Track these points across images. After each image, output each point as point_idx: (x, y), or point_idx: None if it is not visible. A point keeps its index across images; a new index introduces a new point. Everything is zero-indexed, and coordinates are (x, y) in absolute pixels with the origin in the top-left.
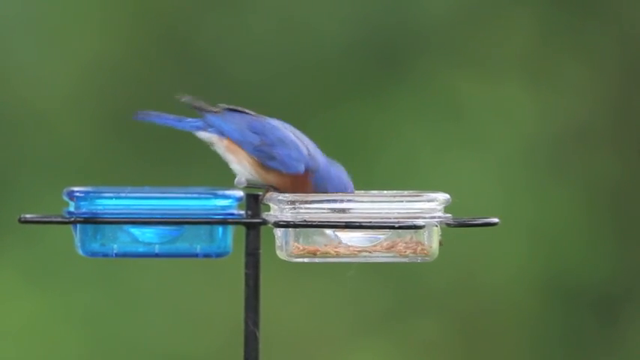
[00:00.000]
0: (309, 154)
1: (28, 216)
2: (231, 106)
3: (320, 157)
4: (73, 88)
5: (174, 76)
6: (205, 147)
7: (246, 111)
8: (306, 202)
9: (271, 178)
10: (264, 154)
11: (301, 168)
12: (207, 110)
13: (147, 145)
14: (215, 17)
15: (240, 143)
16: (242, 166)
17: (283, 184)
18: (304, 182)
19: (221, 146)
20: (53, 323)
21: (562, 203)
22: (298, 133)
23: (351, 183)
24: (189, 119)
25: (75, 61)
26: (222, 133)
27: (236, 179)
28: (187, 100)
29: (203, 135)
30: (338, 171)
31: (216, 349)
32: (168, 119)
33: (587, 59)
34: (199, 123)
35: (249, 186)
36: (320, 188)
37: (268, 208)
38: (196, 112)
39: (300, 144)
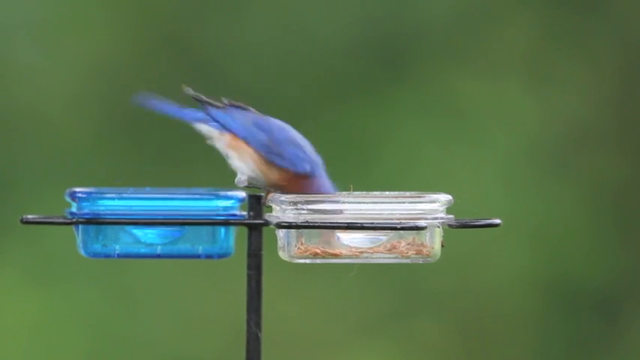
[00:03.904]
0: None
1: (29, 217)
2: (234, 102)
3: (318, 159)
4: (75, 89)
5: (177, 78)
6: (207, 147)
7: (250, 108)
8: (308, 202)
9: (274, 176)
10: (273, 153)
11: (308, 168)
12: (210, 104)
13: (149, 145)
14: (217, 20)
15: (247, 140)
16: (245, 163)
17: (286, 182)
18: (306, 182)
19: (222, 141)
20: (55, 323)
21: (565, 204)
22: (298, 134)
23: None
24: (190, 110)
25: (77, 62)
26: (224, 128)
27: (236, 179)
28: (191, 93)
29: (202, 128)
30: (328, 177)
31: (218, 350)
32: (168, 107)
33: (588, 59)
34: (200, 115)
35: (250, 186)
36: (319, 190)
37: (271, 209)
38: (199, 105)
39: (304, 145)
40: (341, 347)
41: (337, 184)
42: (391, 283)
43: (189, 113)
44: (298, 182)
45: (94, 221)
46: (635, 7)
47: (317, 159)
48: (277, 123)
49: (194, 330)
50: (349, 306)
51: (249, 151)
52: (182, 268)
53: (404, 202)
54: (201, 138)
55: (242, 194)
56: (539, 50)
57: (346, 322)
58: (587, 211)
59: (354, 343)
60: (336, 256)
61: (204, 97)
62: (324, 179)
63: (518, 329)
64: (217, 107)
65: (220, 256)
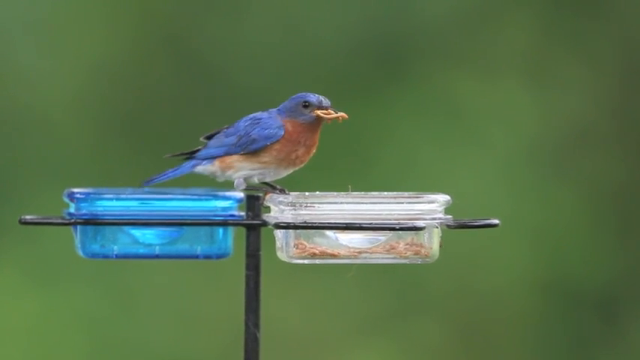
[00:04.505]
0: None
1: (28, 217)
2: (209, 133)
3: (281, 113)
4: (75, 90)
5: (177, 79)
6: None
7: (222, 128)
8: (307, 204)
9: (266, 158)
10: (244, 144)
11: (281, 131)
12: (194, 151)
13: (147, 146)
14: (217, 21)
15: (228, 152)
16: (241, 170)
17: (280, 153)
18: (292, 137)
19: (216, 168)
20: (54, 323)
21: (565, 204)
22: (259, 112)
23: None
24: (185, 164)
25: (77, 62)
26: (210, 159)
27: (235, 182)
28: (175, 155)
29: (199, 170)
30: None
31: (217, 351)
32: (169, 174)
33: (588, 60)
34: (193, 162)
35: (249, 188)
36: (290, 110)
37: (269, 210)
38: (187, 157)
39: (267, 113)
40: (340, 347)
41: (337, 184)
42: (390, 283)
43: (185, 167)
44: (288, 144)
45: (92, 222)
46: (635, 7)
47: (280, 114)
48: (243, 118)
49: (192, 330)
50: (348, 306)
51: (235, 159)
52: (181, 268)
53: (402, 203)
54: (198, 139)
55: (240, 195)
56: (539, 50)
57: (345, 323)
58: (587, 211)
59: (353, 343)
60: (334, 256)
61: (185, 152)
62: (285, 108)
63: (518, 329)
64: (199, 149)
65: (219, 256)
